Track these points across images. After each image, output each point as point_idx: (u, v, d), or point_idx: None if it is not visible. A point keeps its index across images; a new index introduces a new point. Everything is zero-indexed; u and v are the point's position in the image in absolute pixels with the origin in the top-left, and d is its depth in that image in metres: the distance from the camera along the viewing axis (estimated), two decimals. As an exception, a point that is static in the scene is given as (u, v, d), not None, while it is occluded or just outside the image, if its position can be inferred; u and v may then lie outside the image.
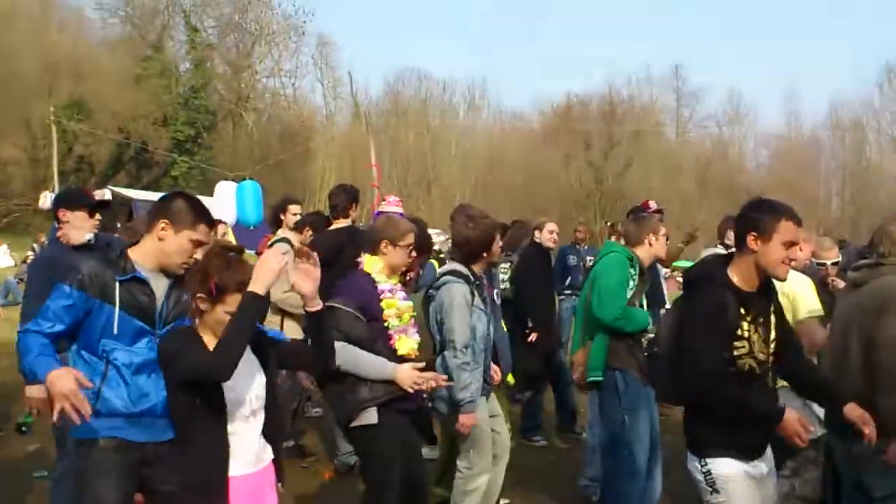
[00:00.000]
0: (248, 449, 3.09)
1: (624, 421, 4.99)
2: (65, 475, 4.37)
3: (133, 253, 3.31)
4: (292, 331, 5.84)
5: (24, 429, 4.55)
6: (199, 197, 3.66)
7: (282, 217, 7.03)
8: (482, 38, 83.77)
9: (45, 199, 28.31)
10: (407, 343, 4.22)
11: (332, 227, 6.64)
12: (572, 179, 50.90)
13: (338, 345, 2.86)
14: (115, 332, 3.19)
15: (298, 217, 7.29)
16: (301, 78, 52.43)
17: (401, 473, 4.16)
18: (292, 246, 6.60)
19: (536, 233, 7.78)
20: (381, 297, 4.21)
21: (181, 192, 3.61)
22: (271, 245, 6.73)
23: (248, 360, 3.07)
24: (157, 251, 3.30)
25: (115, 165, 40.93)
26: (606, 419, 5.17)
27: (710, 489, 3.32)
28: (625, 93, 56.08)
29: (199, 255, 3.26)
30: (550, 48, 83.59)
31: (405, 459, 4.22)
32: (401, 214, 7.61)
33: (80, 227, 4.64)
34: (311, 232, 6.84)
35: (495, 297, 5.85)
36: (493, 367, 5.09)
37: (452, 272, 4.68)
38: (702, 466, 3.33)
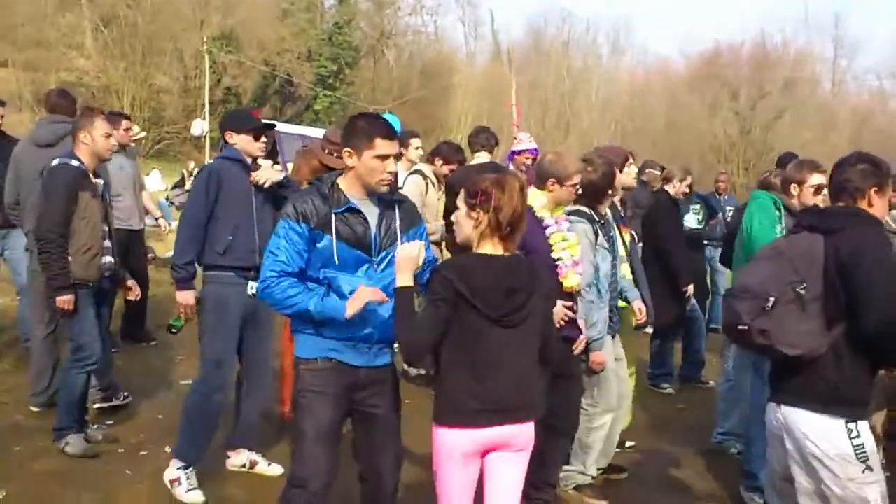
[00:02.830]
0: None
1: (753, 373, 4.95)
2: (193, 389, 4.70)
3: (342, 183, 3.39)
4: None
5: (173, 330, 4.86)
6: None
7: (403, 151, 6.92)
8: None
9: (196, 127, 29.31)
10: (573, 278, 4.33)
11: (475, 160, 6.71)
12: (717, 129, 48.78)
13: None
14: (337, 262, 3.28)
15: (421, 151, 7.35)
16: (443, 16, 52.17)
17: (553, 400, 4.28)
18: (425, 177, 6.61)
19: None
20: (546, 230, 4.34)
21: (359, 114, 3.72)
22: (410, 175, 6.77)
23: None
24: (355, 178, 3.37)
25: (261, 98, 41.98)
26: (737, 372, 5.22)
27: (864, 465, 2.87)
28: (778, 39, 53.20)
29: (392, 167, 3.34)
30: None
31: (559, 387, 4.32)
32: (535, 150, 7.51)
33: (247, 151, 4.71)
34: (441, 162, 6.72)
35: (633, 237, 5.96)
36: (640, 306, 5.15)
37: (575, 212, 4.71)
38: (852, 438, 2.86)
